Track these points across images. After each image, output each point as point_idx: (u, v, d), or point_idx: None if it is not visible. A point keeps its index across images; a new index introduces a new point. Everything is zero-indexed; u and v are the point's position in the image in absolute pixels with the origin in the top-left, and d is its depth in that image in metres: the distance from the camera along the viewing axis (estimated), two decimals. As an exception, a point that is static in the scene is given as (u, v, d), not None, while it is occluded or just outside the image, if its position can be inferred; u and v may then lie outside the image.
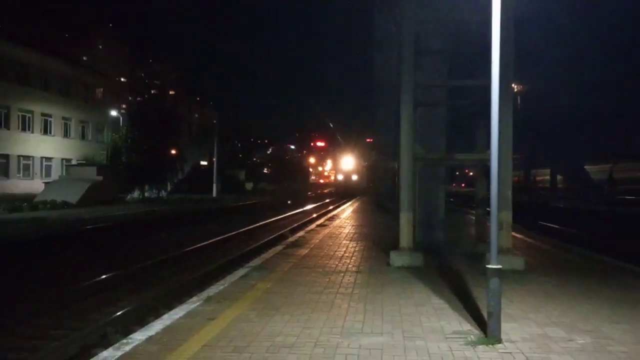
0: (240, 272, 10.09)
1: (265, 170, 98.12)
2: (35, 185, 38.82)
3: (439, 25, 12.58)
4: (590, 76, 47.89)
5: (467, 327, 6.43)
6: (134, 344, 5.67)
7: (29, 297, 9.41)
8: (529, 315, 6.95)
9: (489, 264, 5.92)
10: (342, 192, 71.63)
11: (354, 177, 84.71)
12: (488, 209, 6.12)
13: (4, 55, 39.35)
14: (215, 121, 56.36)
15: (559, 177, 60.63)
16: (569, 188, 54.92)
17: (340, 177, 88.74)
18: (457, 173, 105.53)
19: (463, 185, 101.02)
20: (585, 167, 53.36)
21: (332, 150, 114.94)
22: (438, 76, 12.76)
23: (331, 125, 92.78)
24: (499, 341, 5.78)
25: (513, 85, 12.37)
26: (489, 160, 6.07)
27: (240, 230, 20.98)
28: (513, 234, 11.46)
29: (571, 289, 8.66)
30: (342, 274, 9.86)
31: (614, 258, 11.92)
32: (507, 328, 6.16)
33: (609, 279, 9.57)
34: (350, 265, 10.86)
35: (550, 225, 23.94)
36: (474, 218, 15.12)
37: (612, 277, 9.78)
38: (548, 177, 61.86)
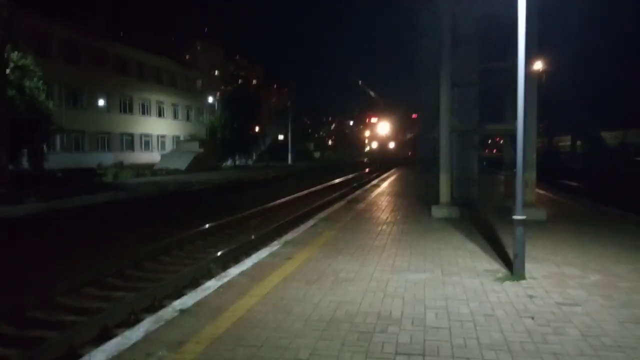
0: (311, 222, 10.23)
1: (329, 142, 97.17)
2: (153, 157, 40.43)
3: (472, 17, 12.07)
4: (604, 55, 44.96)
5: (496, 266, 6.31)
6: (230, 277, 5.90)
7: (154, 240, 9.86)
8: (549, 257, 6.74)
9: (515, 215, 5.75)
10: (375, 163, 49.28)
11: (391, 145, 62.97)
12: (515, 170, 5.90)
13: (127, 57, 40.72)
14: (289, 103, 56.58)
15: (578, 142, 57.69)
16: (586, 152, 52.21)
17: (374, 144, 63.31)
18: (489, 141, 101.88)
19: (494, 150, 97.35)
20: (601, 133, 50.51)
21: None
22: (472, 60, 12.27)
23: (372, 94, 72.58)
24: (523, 278, 5.65)
25: (538, 64, 11.76)
26: (515, 130, 5.83)
27: (311, 190, 21.15)
28: (537, 190, 11.05)
29: (585, 235, 8.30)
30: (392, 224, 9.83)
31: (623, 210, 11.31)
32: (530, 267, 6.00)
33: (618, 228, 9.11)
34: (398, 217, 10.81)
35: (570, 183, 22.87)
36: (503, 178, 14.64)
37: (620, 226, 9.30)
38: (569, 143, 59.06)
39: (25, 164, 23.22)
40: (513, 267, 5.80)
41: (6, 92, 19.48)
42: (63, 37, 33.92)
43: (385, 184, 20.52)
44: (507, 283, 5.53)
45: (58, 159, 27.72)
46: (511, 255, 6.05)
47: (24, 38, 29.12)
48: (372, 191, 17.26)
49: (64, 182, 21.92)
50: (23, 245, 10.21)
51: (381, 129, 60.43)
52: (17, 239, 10.82)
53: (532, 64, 9.80)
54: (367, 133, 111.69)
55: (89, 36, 36.50)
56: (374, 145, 59.09)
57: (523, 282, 5.56)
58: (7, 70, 19.92)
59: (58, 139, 32.10)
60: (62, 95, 33.37)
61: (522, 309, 4.66)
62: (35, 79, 22.05)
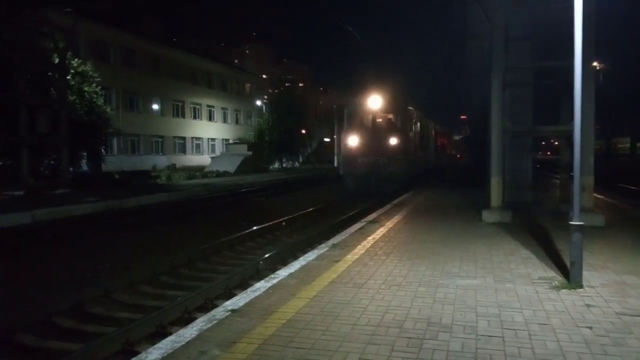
0: (358, 225, 10.20)
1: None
2: (204, 159, 41.53)
3: (525, 14, 11.72)
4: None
5: (552, 274, 6.09)
6: (279, 278, 5.98)
7: (204, 241, 10.13)
8: (608, 264, 6.44)
9: (572, 220, 5.54)
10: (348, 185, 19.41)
11: (393, 141, 18.57)
12: (572, 173, 5.69)
13: (180, 62, 42.06)
14: (335, 106, 56.72)
15: (638, 144, 54.79)
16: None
17: (352, 141, 19.00)
18: (543, 143, 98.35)
19: (549, 153, 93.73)
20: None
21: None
22: (524, 59, 11.91)
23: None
24: (581, 286, 5.43)
25: (595, 63, 11.29)
26: (571, 131, 5.62)
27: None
28: (594, 194, 10.59)
29: (649, 243, 7.88)
30: (440, 228, 9.66)
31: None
32: (588, 275, 5.76)
33: (687, 235, 8.58)
34: (447, 221, 10.61)
35: (630, 187, 21.72)
36: (558, 182, 14.12)
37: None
38: (628, 145, 56.23)
39: (84, 166, 24.44)
40: (570, 275, 5.58)
41: (67, 97, 20.59)
42: (120, 43, 35.46)
43: (432, 185, 20.18)
44: (564, 291, 5.33)
45: (115, 161, 28.93)
46: (567, 263, 5.83)
47: (84, 45, 30.66)
48: (419, 194, 17.00)
49: (120, 183, 22.89)
50: (73, 242, 10.72)
51: (374, 104, 19.19)
52: (70, 237, 11.37)
53: (589, 63, 9.42)
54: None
55: (144, 42, 37.97)
56: (353, 142, 19.10)
57: (580, 290, 5.34)
58: (68, 76, 21.06)
59: (115, 141, 33.57)
60: (119, 100, 34.89)
61: (580, 319, 4.48)
62: (94, 84, 23.19)
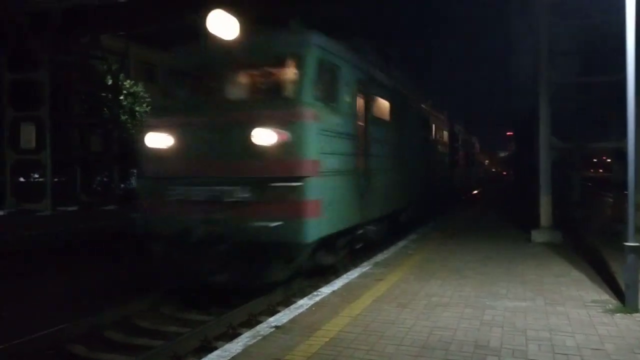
0: (401, 243, 10.10)
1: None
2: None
3: (572, 28, 11.44)
4: None
5: (605, 297, 5.84)
6: (322, 296, 6.01)
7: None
8: (668, 288, 6.11)
9: (626, 241, 5.32)
10: None
11: (271, 137, 6.05)
12: (625, 192, 5.47)
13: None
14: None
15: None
16: None
17: (160, 140, 6.85)
18: (595, 160, 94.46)
19: (600, 170, 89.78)
20: None
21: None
22: (571, 73, 11.59)
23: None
24: (636, 310, 5.19)
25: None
26: (624, 147, 5.42)
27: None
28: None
29: None
30: (487, 247, 9.44)
31: None
32: (645, 299, 5.49)
33: None
34: (494, 241, 10.35)
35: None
36: (610, 200, 13.55)
37: None
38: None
39: (134, 182, 25.37)
40: (625, 299, 5.35)
41: (120, 116, 21.54)
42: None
43: (479, 197, 19.75)
44: (618, 315, 5.10)
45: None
46: (622, 285, 5.58)
47: (135, 67, 31.99)
48: (465, 210, 16.67)
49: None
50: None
51: (223, 32, 6.50)
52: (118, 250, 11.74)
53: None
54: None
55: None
56: (165, 142, 6.84)
57: (636, 314, 5.11)
58: (121, 97, 22.05)
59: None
60: (166, 119, 36.05)
61: (636, 344, 4.28)
62: (144, 105, 24.14)
